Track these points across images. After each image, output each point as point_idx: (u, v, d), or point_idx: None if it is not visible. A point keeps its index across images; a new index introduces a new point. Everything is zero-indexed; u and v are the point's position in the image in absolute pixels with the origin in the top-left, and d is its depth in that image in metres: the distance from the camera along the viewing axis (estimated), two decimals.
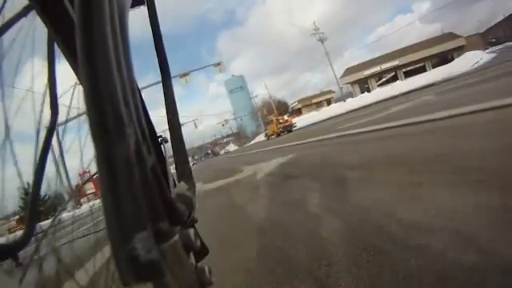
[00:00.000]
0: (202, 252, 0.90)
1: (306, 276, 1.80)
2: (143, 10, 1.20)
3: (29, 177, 0.90)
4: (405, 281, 1.53)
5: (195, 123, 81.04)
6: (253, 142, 69.47)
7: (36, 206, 0.86)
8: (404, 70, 61.21)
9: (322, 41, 56.57)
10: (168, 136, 1.11)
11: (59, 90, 0.93)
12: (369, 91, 52.99)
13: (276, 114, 59.33)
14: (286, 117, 49.48)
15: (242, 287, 2.04)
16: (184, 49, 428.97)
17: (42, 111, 0.91)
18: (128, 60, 0.46)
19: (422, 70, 53.82)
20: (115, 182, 0.37)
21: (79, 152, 0.97)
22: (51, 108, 0.92)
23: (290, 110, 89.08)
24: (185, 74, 42.26)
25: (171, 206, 0.49)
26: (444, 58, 53.26)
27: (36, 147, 0.89)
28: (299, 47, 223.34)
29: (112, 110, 0.39)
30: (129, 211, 0.36)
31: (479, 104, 5.08)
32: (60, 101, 0.94)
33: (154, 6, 1.20)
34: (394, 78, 59.20)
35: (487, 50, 40.77)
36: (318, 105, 64.54)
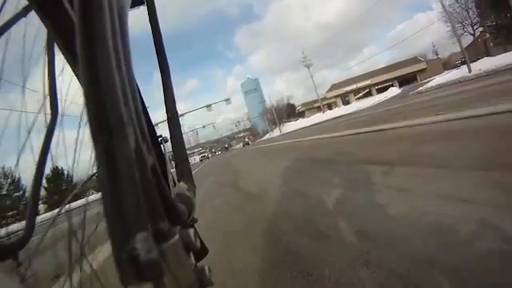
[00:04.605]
0: (202, 252, 0.83)
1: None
2: (143, 9, 1.10)
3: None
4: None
5: (214, 126, 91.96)
6: (264, 138, 75.84)
7: (36, 205, 0.78)
8: (376, 87, 68.50)
9: (308, 67, 60.38)
10: (168, 136, 0.98)
11: (59, 90, 0.84)
12: (348, 103, 62.52)
13: (245, 136, 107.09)
14: (246, 139, 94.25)
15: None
16: (202, 43, 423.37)
17: (41, 111, 0.81)
18: (128, 59, 0.41)
19: (391, 87, 57.00)
20: (115, 181, 0.32)
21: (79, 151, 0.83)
22: (51, 108, 0.83)
23: (296, 111, 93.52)
24: (209, 105, 56.98)
25: (171, 206, 0.44)
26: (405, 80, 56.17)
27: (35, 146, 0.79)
28: (318, 43, 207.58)
29: (112, 110, 0.34)
30: (129, 211, 0.32)
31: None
32: (60, 100, 0.84)
33: (154, 5, 1.10)
34: (368, 94, 68.99)
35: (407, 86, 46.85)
36: (319, 109, 65.57)
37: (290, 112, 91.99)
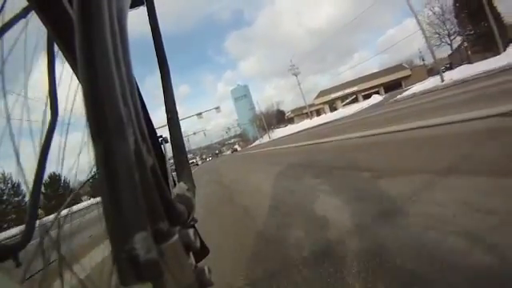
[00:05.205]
0: (202, 252, 0.83)
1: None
2: (143, 10, 1.07)
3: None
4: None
5: (204, 133, 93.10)
6: (254, 144, 75.60)
7: (36, 205, 0.77)
8: (363, 93, 69.34)
9: (296, 75, 63.31)
10: (168, 136, 0.95)
11: (59, 90, 0.82)
12: (335, 109, 62.13)
13: (235, 142, 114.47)
14: (235, 146, 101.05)
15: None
16: (193, 48, 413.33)
17: (41, 111, 0.80)
18: (127, 60, 0.41)
19: (377, 93, 57.91)
20: (115, 182, 0.32)
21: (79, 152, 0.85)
22: (51, 108, 0.81)
23: (286, 117, 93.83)
24: (199, 113, 61.56)
25: (171, 206, 0.44)
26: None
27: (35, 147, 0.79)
28: (309, 49, 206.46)
29: (111, 110, 0.34)
30: (128, 211, 0.32)
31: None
32: (60, 101, 0.82)
33: (154, 6, 1.08)
34: (355, 100, 70.15)
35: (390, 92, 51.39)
36: (307, 116, 66.29)
37: (279, 118, 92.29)
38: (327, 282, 1.42)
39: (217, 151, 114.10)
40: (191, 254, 0.55)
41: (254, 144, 75.63)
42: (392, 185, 2.44)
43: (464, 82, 14.87)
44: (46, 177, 0.85)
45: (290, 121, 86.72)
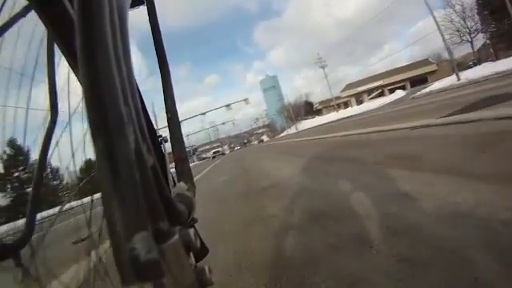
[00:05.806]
0: (202, 252, 0.83)
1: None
2: (143, 9, 1.06)
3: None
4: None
5: (233, 123, 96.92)
6: (281, 135, 76.53)
7: (36, 204, 0.76)
8: (389, 87, 69.16)
9: (323, 67, 65.30)
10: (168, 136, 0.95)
11: (59, 90, 0.83)
12: (362, 102, 66.82)
13: (263, 133, 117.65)
14: (262, 137, 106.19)
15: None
16: (222, 39, 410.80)
17: (41, 110, 0.81)
18: (128, 59, 0.41)
19: (403, 88, 63.13)
20: (115, 181, 0.32)
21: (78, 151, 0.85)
22: (51, 107, 0.81)
23: (314, 109, 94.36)
24: (228, 105, 65.78)
25: (171, 206, 0.44)
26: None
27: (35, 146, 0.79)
28: (339, 39, 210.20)
29: (112, 109, 0.34)
30: (129, 211, 0.32)
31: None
32: (59, 100, 0.83)
33: (154, 5, 1.07)
34: (381, 94, 69.89)
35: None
36: (335, 108, 67.08)
37: (307, 109, 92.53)
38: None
39: (245, 141, 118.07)
40: (191, 253, 0.54)
41: (281, 135, 76.84)
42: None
43: (476, 82, 15.60)
44: (82, 163, 0.87)
45: (318, 112, 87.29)
